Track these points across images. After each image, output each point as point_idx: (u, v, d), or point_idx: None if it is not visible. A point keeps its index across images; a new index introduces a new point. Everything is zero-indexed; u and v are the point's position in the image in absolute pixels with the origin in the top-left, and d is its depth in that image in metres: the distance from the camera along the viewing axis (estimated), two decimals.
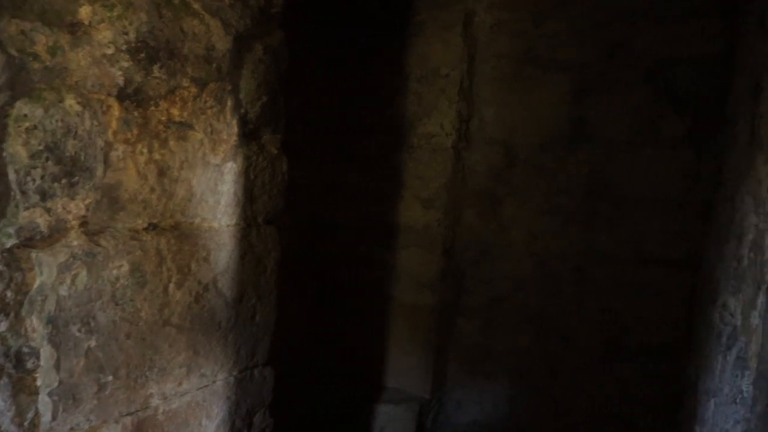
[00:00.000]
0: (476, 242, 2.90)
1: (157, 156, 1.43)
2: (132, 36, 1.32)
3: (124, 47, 1.31)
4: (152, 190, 1.43)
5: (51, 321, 1.28)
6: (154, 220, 1.46)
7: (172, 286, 1.51)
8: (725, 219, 1.56)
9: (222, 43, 1.54)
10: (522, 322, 2.85)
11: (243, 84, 1.63)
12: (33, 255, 1.25)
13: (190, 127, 1.50)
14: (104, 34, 1.27)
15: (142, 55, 1.35)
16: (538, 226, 2.79)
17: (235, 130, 1.62)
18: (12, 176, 1.18)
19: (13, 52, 1.14)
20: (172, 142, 1.46)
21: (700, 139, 2.52)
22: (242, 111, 1.64)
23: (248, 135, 1.67)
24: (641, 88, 2.63)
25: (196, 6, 1.47)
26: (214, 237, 1.62)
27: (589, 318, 2.74)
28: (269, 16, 1.68)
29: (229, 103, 1.59)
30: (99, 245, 1.35)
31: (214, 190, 1.60)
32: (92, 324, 1.35)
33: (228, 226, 1.66)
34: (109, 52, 1.29)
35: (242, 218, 1.70)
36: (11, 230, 1.20)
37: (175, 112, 1.46)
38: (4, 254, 1.20)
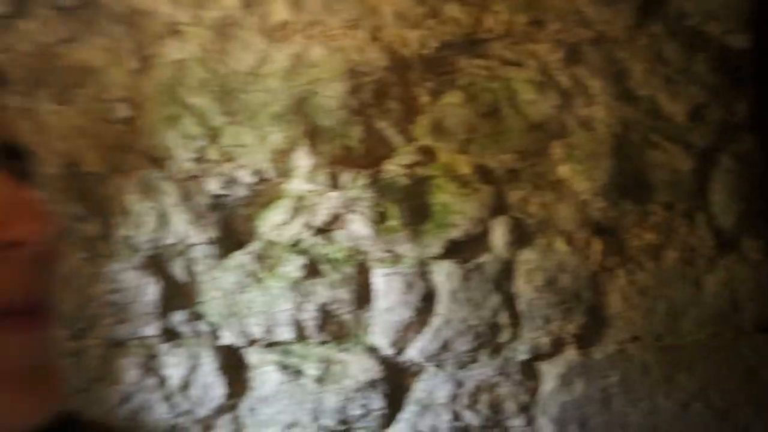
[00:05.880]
0: None
1: (636, 278, 1.60)
2: (603, 180, 1.56)
3: (597, 191, 1.56)
4: (634, 308, 1.60)
5: (555, 422, 1.57)
6: (637, 334, 1.62)
7: (660, 396, 1.62)
8: None
9: (684, 164, 1.64)
10: None
11: (712, 198, 1.68)
12: (540, 367, 1.57)
13: (663, 248, 1.63)
14: (580, 185, 1.55)
15: (613, 193, 1.57)
16: None
17: (710, 243, 1.67)
18: (521, 307, 1.53)
19: (516, 215, 1.51)
20: (648, 264, 1.61)
21: None
22: (714, 224, 1.68)
23: (724, 246, 1.69)
24: None
25: (655, 138, 1.63)
26: (699, 349, 1.67)
27: None
28: (732, 126, 1.70)
29: (700, 218, 1.66)
30: (590, 358, 1.58)
31: (695, 303, 1.66)
32: (586, 426, 1.57)
33: (714, 335, 1.68)
34: (585, 198, 1.55)
35: (726, 327, 1.70)
36: (523, 348, 1.54)
37: (648, 236, 1.61)
38: (520, 366, 1.55)
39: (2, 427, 0.33)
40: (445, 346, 1.50)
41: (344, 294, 1.44)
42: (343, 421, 1.46)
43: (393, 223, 1.44)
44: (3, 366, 0.32)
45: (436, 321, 1.49)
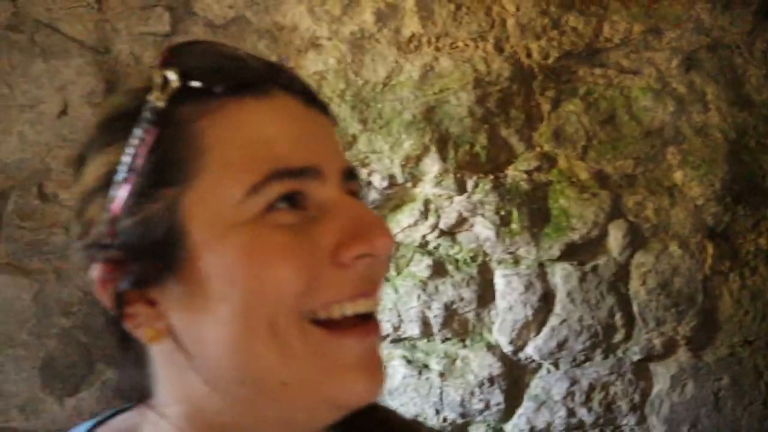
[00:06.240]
0: None
1: (749, 282, 1.61)
2: (717, 186, 1.58)
3: (711, 196, 1.58)
4: (746, 312, 1.62)
5: (666, 422, 1.60)
6: (750, 338, 1.63)
7: None
8: None
9: None
10: None
11: None
12: (652, 368, 1.60)
13: None
14: (695, 190, 1.58)
15: (727, 199, 1.59)
16: None
17: None
18: (635, 309, 1.57)
19: (632, 219, 1.55)
20: (761, 269, 1.63)
21: None
22: None
23: None
24: None
25: None
26: None
27: None
28: None
29: None
30: (702, 360, 1.61)
31: None
32: (697, 428, 1.60)
33: None
34: (700, 203, 1.58)
35: None
36: (636, 348, 1.58)
37: (762, 241, 1.63)
38: (633, 366, 1.59)
39: (355, 402, 0.42)
40: (561, 345, 1.55)
41: (467, 293, 1.50)
42: (464, 414, 1.53)
43: (514, 226, 1.50)
44: (359, 357, 0.41)
45: (553, 321, 1.55)
